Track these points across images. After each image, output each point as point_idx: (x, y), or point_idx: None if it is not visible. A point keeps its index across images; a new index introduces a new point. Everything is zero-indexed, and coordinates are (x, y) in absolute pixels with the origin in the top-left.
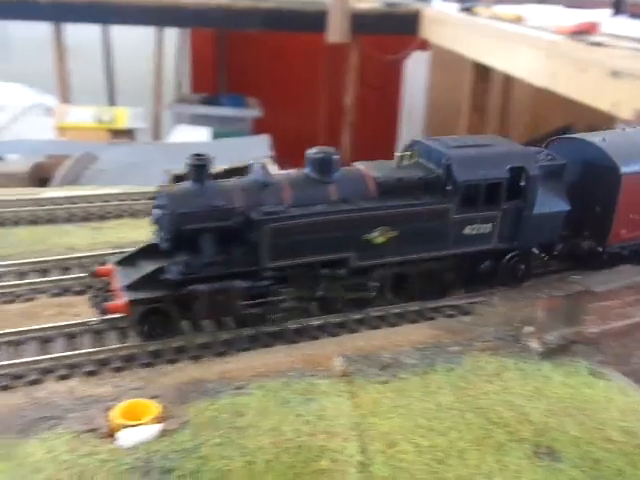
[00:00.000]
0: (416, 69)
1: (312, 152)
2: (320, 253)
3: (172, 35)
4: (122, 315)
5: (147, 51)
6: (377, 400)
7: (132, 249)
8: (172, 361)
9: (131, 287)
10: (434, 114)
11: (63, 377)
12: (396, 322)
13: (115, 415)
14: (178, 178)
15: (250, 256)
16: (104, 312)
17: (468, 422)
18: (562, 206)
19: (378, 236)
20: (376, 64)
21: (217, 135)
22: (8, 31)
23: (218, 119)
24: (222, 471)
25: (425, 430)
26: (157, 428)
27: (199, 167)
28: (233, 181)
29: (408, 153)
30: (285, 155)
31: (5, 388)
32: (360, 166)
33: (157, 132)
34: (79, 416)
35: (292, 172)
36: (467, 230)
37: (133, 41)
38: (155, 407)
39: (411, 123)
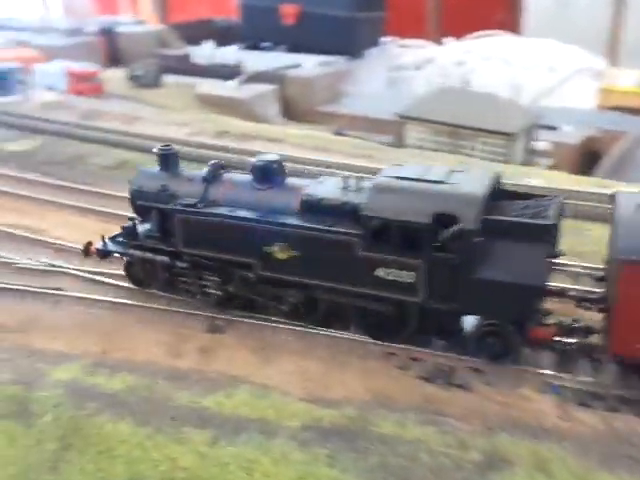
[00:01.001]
0: None
1: (256, 159)
2: (226, 252)
3: None
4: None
5: None
6: None
7: None
8: None
9: (109, 239)
10: None
11: None
12: None
13: None
14: None
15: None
16: (87, 252)
17: None
18: (536, 279)
19: (278, 251)
20: None
21: None
22: None
23: None
24: None
25: None
26: None
27: (163, 156)
28: (194, 173)
29: (356, 175)
30: None
31: (584, 405)
32: (306, 181)
33: None
34: None
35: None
36: (381, 272)
37: None
38: None
39: None
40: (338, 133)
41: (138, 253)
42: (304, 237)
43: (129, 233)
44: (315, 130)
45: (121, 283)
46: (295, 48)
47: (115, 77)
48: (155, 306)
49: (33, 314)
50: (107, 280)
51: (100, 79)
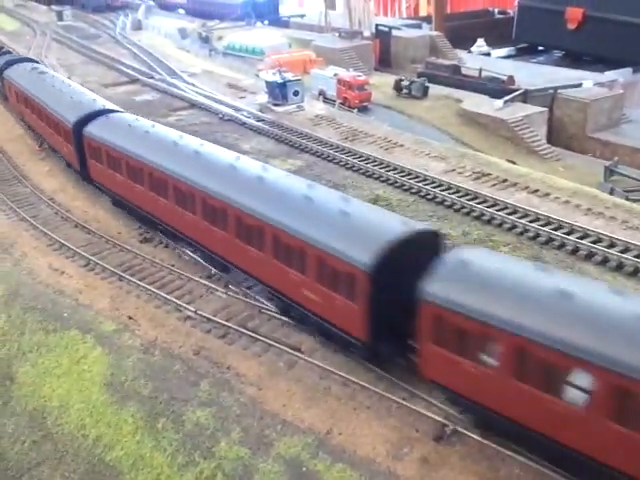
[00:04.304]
0: None
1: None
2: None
3: None
4: None
5: None
6: None
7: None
8: None
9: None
10: None
11: None
12: None
13: None
14: None
15: None
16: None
17: None
18: None
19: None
20: None
21: None
22: None
23: None
24: None
25: None
26: None
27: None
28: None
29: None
30: None
31: None
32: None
33: None
34: None
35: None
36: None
37: None
38: None
39: None
40: (611, 170)
41: None
42: None
43: None
44: (586, 179)
45: (353, 360)
46: (573, 55)
47: (383, 84)
48: (384, 393)
49: (271, 370)
50: (341, 350)
51: (369, 87)
